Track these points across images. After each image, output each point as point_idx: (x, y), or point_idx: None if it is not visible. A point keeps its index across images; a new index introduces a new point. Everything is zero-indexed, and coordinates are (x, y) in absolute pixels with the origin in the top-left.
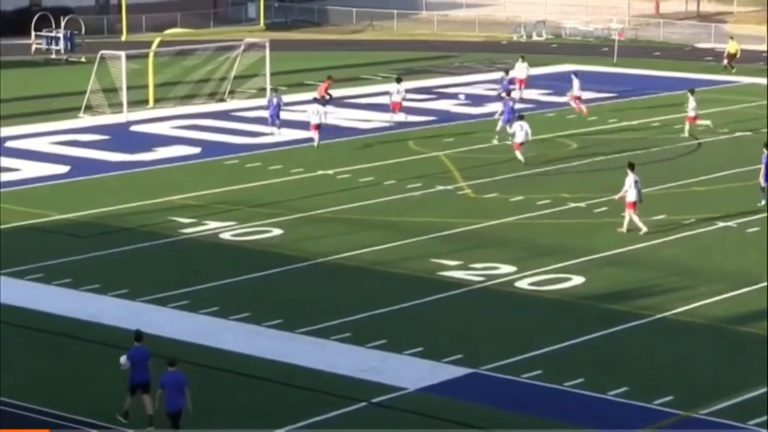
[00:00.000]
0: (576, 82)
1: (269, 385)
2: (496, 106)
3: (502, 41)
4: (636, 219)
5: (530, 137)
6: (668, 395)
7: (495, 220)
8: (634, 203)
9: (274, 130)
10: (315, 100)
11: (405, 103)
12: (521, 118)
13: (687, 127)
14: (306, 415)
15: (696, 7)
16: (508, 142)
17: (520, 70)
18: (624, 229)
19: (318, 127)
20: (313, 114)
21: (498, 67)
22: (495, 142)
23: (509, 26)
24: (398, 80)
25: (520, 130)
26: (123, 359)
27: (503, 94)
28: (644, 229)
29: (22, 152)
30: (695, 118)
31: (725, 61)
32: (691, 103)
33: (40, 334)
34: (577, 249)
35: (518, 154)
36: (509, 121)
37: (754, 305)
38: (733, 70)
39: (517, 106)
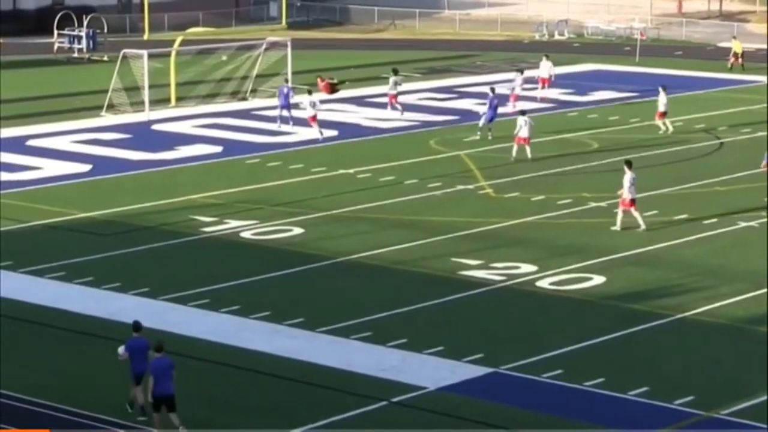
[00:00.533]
0: (518, 80)
1: (289, 384)
2: (521, 105)
3: (524, 40)
4: (619, 216)
5: (533, 127)
6: (689, 395)
7: (516, 219)
8: (633, 201)
9: (284, 127)
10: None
11: (426, 102)
12: (523, 113)
13: (660, 122)
14: (325, 414)
15: (719, 6)
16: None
17: (544, 69)
18: (642, 226)
19: (314, 118)
20: (310, 107)
21: (519, 66)
22: (477, 137)
23: (531, 25)
24: (395, 72)
25: (525, 125)
26: (121, 350)
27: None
28: (618, 226)
29: (44, 151)
30: (664, 113)
31: (731, 61)
32: (662, 98)
33: (61, 332)
34: (598, 249)
35: (515, 148)
36: (492, 118)
37: None
38: (731, 69)
39: (541, 105)
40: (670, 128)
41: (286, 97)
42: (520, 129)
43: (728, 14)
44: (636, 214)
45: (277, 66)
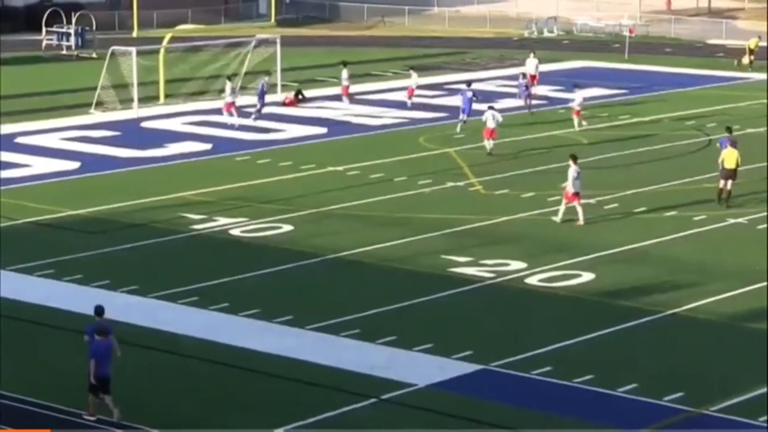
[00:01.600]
0: (414, 76)
1: (278, 381)
2: (508, 102)
3: (513, 37)
4: (562, 208)
5: (501, 123)
6: (678, 392)
7: (506, 216)
8: (576, 194)
9: (259, 122)
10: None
11: (416, 99)
12: (491, 108)
13: (576, 120)
14: (314, 412)
15: (707, 3)
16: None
17: (531, 65)
18: (581, 221)
19: (231, 105)
20: (230, 94)
21: (509, 63)
22: (458, 130)
23: (520, 22)
24: (344, 64)
25: (492, 119)
26: (87, 337)
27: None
28: (559, 218)
29: (33, 148)
30: (579, 111)
31: (750, 58)
32: (578, 97)
33: (50, 330)
34: (588, 245)
35: (486, 143)
36: (468, 111)
37: (763, 302)
38: (736, 64)
39: (534, 102)
40: (584, 124)
41: (261, 92)
42: (487, 121)
43: (717, 11)
44: (578, 207)
45: (267, 63)
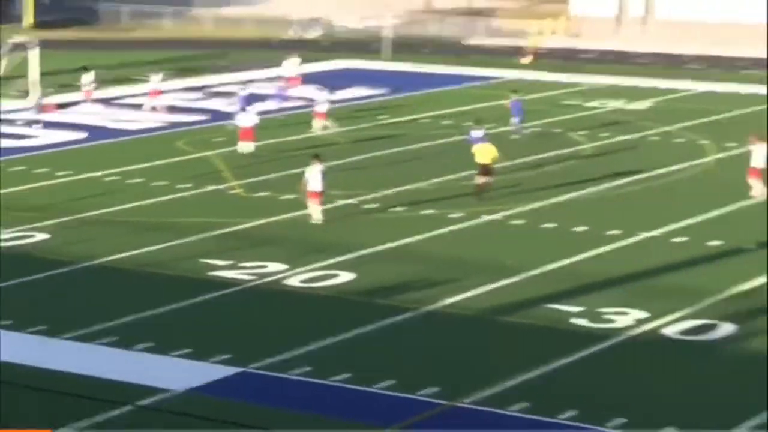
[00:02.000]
0: (154, 78)
1: (31, 392)
2: (267, 105)
3: (275, 38)
4: (317, 208)
5: (257, 124)
6: (434, 386)
7: (266, 218)
8: (320, 193)
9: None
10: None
11: (174, 103)
12: (247, 110)
13: (322, 122)
14: (70, 420)
15: (467, 3)
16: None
17: (290, 67)
18: (315, 217)
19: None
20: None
21: (269, 64)
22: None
23: (282, 23)
24: (85, 69)
25: (249, 121)
26: None
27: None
28: (321, 218)
29: None
30: (324, 113)
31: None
32: (321, 98)
33: None
34: (348, 245)
35: (243, 145)
36: (243, 111)
37: (517, 296)
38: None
39: (288, 104)
40: (327, 125)
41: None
42: (244, 124)
43: (476, 10)
44: (315, 206)
45: (23, 67)
